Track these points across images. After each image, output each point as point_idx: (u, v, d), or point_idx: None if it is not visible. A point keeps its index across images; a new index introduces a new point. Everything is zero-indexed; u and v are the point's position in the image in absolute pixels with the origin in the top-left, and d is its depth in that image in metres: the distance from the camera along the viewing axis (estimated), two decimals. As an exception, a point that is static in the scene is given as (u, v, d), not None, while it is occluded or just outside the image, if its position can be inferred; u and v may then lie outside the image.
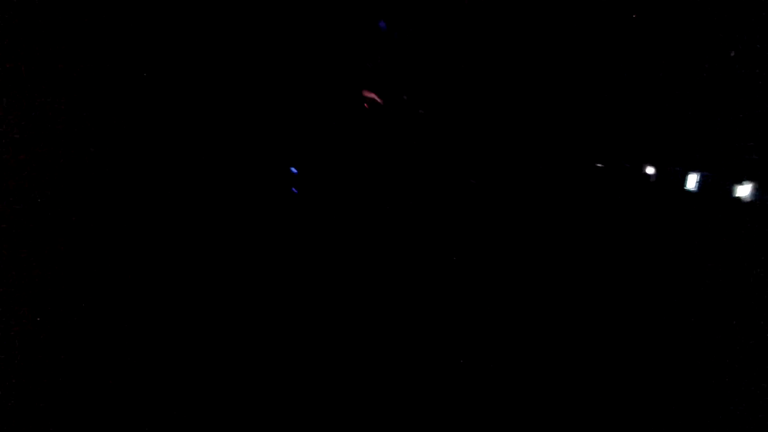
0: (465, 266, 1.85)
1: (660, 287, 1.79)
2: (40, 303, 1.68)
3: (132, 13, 1.79)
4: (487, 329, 1.80)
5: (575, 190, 1.88)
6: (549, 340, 1.77)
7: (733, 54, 1.78)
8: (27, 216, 1.69)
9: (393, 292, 1.84)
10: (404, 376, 1.74)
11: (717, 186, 1.77)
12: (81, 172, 1.75)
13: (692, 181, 1.81)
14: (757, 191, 1.73)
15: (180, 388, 1.69)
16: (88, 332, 1.71)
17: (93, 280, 1.73)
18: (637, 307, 1.78)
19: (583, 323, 1.78)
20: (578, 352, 1.75)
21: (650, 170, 1.86)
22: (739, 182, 1.75)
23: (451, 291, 1.84)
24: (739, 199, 1.73)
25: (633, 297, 1.79)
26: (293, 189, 1.88)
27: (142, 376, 1.69)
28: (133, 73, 1.79)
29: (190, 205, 1.81)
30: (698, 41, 1.80)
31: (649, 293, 1.79)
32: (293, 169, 1.88)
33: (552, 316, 1.80)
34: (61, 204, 1.73)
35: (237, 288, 1.80)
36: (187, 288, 1.78)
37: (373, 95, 1.90)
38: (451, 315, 1.82)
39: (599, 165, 1.87)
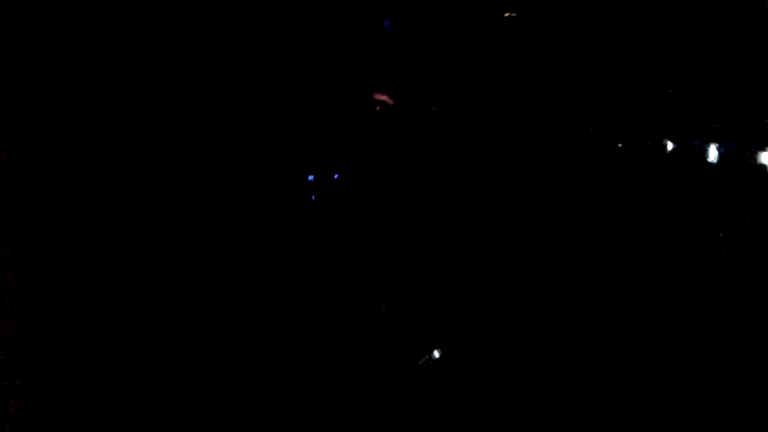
0: (487, 262, 1.85)
1: (687, 266, 1.77)
2: (40, 303, 1.68)
3: (132, 13, 1.77)
4: (491, 328, 1.80)
5: (593, 172, 1.86)
6: (562, 332, 1.76)
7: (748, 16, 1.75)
8: (27, 216, 1.69)
9: (402, 291, 1.84)
10: (404, 376, 1.75)
11: (740, 156, 1.75)
12: (82, 172, 1.75)
13: (714, 154, 1.78)
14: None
15: (181, 389, 1.70)
16: (88, 332, 1.71)
17: (94, 280, 1.74)
18: (658, 289, 1.76)
19: (600, 313, 1.77)
20: (589, 348, 1.74)
21: (669, 145, 1.84)
22: (763, 149, 1.73)
23: (457, 290, 1.84)
24: (765, 167, 1.71)
25: (656, 279, 1.78)
26: (312, 197, 1.87)
27: (142, 377, 1.70)
28: (133, 73, 1.78)
29: (194, 208, 1.81)
30: (715, 9, 1.77)
31: (674, 273, 1.78)
32: (310, 177, 1.88)
33: (570, 304, 1.79)
34: (61, 204, 1.73)
35: (244, 290, 1.80)
36: (192, 291, 1.78)
37: (384, 97, 1.89)
38: (460, 314, 1.82)
39: (619, 144, 1.85)
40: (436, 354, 1.75)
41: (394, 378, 1.75)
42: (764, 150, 1.74)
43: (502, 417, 1.70)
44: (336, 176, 1.87)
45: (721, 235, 1.73)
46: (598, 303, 1.77)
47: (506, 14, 1.84)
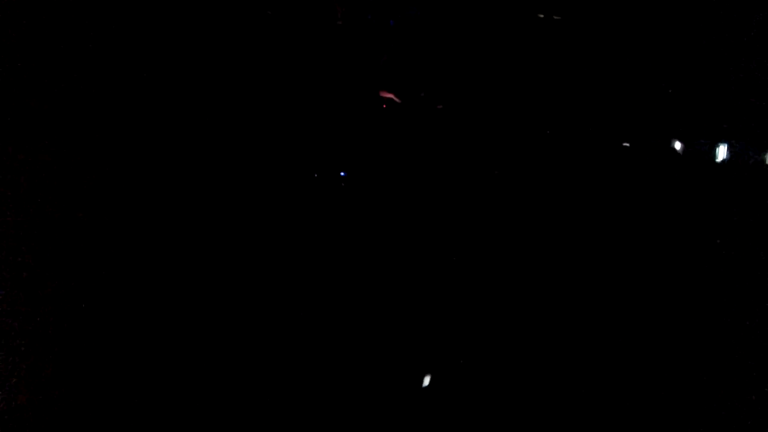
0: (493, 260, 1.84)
1: (692, 266, 1.77)
2: (40, 303, 1.67)
3: (132, 13, 1.77)
4: (493, 327, 1.79)
5: (603, 172, 1.86)
6: (566, 332, 1.75)
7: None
8: (27, 216, 1.69)
9: (407, 291, 1.83)
10: (404, 376, 1.74)
11: (748, 156, 1.75)
12: (82, 172, 1.74)
13: (722, 153, 1.78)
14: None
15: (181, 389, 1.70)
16: (87, 333, 1.70)
17: (94, 280, 1.73)
18: (663, 289, 1.76)
19: (605, 315, 1.76)
20: (593, 348, 1.73)
21: (677, 145, 1.83)
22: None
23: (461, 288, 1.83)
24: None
25: (662, 278, 1.77)
26: (342, 173, 1.86)
27: (142, 377, 1.69)
28: (133, 73, 1.77)
29: (194, 208, 1.81)
30: (719, 9, 1.77)
31: (679, 273, 1.77)
32: (342, 173, 1.87)
33: (575, 305, 1.78)
34: (61, 204, 1.72)
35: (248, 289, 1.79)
36: (194, 285, 1.77)
37: (390, 95, 1.89)
38: (462, 313, 1.81)
39: (625, 144, 1.85)
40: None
41: (395, 376, 1.75)
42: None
43: (503, 416, 1.70)
44: (342, 174, 1.87)
45: (718, 241, 1.72)
46: (604, 302, 1.76)
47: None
